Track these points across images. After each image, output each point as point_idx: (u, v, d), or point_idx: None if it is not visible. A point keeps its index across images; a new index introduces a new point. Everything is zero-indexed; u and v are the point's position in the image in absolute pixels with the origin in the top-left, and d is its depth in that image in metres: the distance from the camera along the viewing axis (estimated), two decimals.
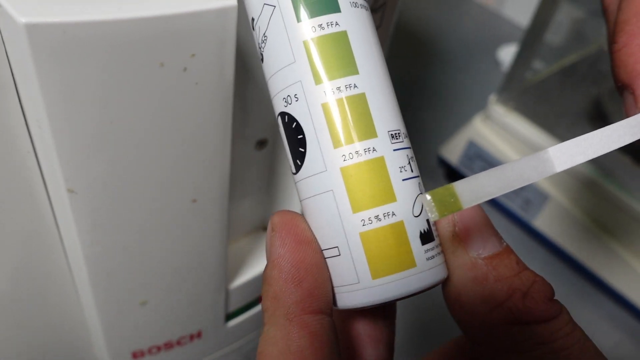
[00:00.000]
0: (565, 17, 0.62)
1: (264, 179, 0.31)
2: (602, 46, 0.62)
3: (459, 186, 0.14)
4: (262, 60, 0.16)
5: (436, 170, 0.57)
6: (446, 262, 0.16)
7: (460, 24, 0.81)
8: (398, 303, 0.20)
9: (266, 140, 0.29)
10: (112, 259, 0.24)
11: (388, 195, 0.15)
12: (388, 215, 0.15)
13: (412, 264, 0.15)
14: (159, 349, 0.30)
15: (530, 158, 0.15)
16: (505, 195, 0.51)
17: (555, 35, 0.62)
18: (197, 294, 0.29)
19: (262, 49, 0.16)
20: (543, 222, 0.49)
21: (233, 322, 0.33)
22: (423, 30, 0.77)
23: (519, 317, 0.15)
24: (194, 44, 0.19)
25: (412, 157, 0.16)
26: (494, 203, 0.53)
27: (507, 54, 0.71)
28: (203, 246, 0.27)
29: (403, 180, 0.15)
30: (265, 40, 0.16)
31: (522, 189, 0.50)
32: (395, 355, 0.19)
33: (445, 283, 0.16)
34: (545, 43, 0.57)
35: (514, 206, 0.51)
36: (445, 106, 0.65)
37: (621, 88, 0.18)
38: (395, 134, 0.16)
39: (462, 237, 0.16)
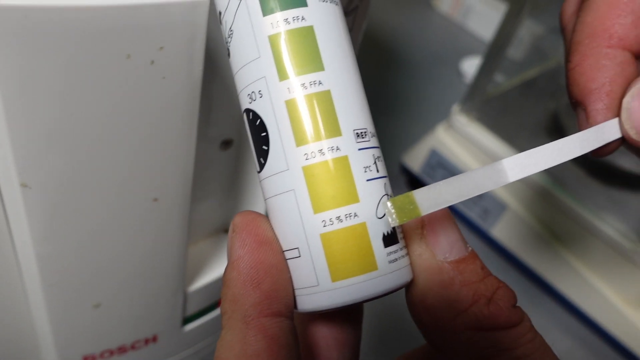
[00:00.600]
0: (526, 33, 0.64)
1: (227, 181, 0.30)
2: (561, 62, 0.64)
3: (418, 194, 0.15)
4: (229, 55, 0.16)
5: (399, 178, 0.57)
6: (411, 265, 0.16)
7: (425, 34, 0.82)
8: (366, 308, 0.19)
9: (231, 141, 0.28)
10: (65, 258, 0.23)
11: (351, 196, 0.15)
12: (350, 216, 0.15)
13: (373, 266, 0.15)
14: (111, 353, 0.29)
15: (485, 168, 0.15)
16: (465, 205, 0.52)
17: (516, 50, 0.63)
18: (153, 297, 0.28)
19: (228, 44, 0.16)
20: (500, 231, 0.50)
21: (190, 326, 0.32)
22: (389, 38, 0.77)
23: (483, 323, 0.15)
24: (163, 37, 0.18)
25: (378, 157, 0.16)
26: (454, 212, 0.53)
27: (470, 65, 0.73)
28: (162, 247, 0.26)
29: (367, 180, 0.15)
30: (232, 34, 0.16)
31: (481, 199, 0.51)
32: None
33: (409, 286, 0.16)
34: (507, 57, 0.59)
35: (473, 215, 0.52)
36: (408, 114, 0.65)
37: (575, 104, 0.19)
38: (361, 132, 0.15)
39: (429, 240, 0.15)
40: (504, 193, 0.50)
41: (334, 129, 0.15)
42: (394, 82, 0.70)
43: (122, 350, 0.29)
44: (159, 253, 0.26)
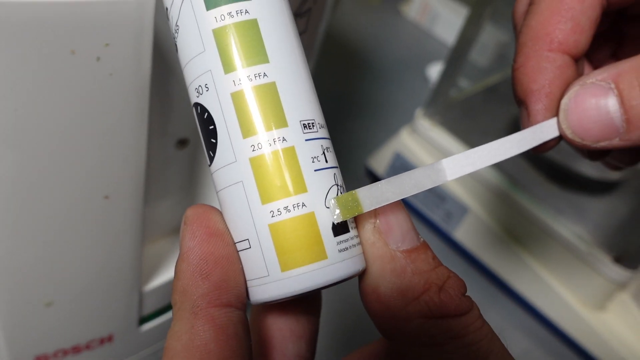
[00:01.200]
0: (490, 40, 0.66)
1: (184, 180, 0.31)
2: None
3: (361, 192, 0.15)
4: (176, 50, 0.16)
5: (363, 180, 0.58)
6: (364, 254, 0.16)
7: (392, 39, 0.84)
8: (323, 301, 0.20)
9: (187, 140, 0.28)
10: (16, 255, 0.23)
11: (298, 186, 0.15)
12: (298, 206, 0.15)
13: (322, 255, 0.15)
14: (65, 352, 0.29)
15: (425, 168, 0.16)
16: (428, 208, 0.53)
17: (480, 56, 0.65)
18: (108, 296, 0.28)
19: (175, 39, 0.16)
20: (463, 233, 0.51)
21: (147, 326, 0.32)
22: (357, 43, 0.78)
23: (434, 310, 0.15)
24: (108, 33, 0.18)
25: (327, 148, 0.16)
26: (417, 214, 0.54)
27: (435, 70, 0.74)
28: (115, 245, 0.26)
29: (315, 170, 0.15)
30: (178, 29, 0.16)
31: (443, 201, 0.52)
32: (317, 354, 0.19)
33: (362, 275, 0.16)
34: (471, 63, 0.60)
35: (437, 218, 0.53)
36: (374, 118, 0.66)
37: (519, 102, 0.20)
38: (309, 123, 0.15)
39: (382, 229, 0.16)
40: (467, 196, 0.51)
41: (280, 120, 0.15)
42: (361, 87, 0.70)
43: (76, 350, 0.29)
44: (113, 251, 0.26)
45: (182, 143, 0.28)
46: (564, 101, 0.19)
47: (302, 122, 0.15)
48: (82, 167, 0.21)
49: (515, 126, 0.56)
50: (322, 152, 0.15)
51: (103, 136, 0.21)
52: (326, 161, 0.16)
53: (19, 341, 0.27)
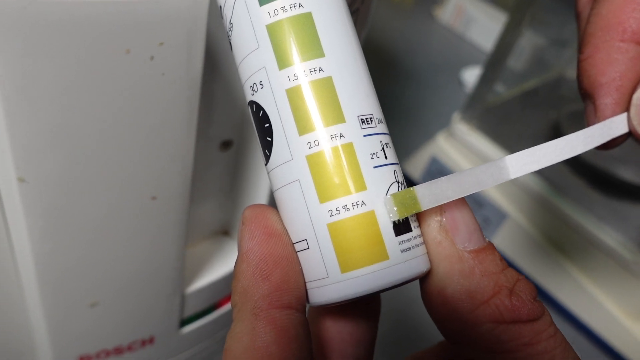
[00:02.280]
0: (527, 44, 0.65)
1: (226, 182, 0.30)
2: (562, 72, 0.64)
3: (419, 189, 0.15)
4: (231, 48, 0.16)
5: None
6: (429, 254, 0.15)
7: (426, 43, 0.83)
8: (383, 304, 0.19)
9: (231, 142, 0.28)
10: (62, 254, 0.23)
11: (357, 184, 0.14)
12: (357, 204, 0.14)
13: (384, 256, 0.14)
14: (107, 353, 0.29)
15: (487, 165, 0.15)
16: None
17: (517, 60, 0.64)
18: (150, 297, 0.28)
19: (230, 37, 0.16)
20: (501, 240, 0.50)
21: (188, 329, 0.32)
22: (391, 48, 0.78)
23: (505, 315, 0.14)
24: (162, 32, 0.18)
25: (387, 144, 0.15)
26: None
27: (470, 75, 0.73)
28: (160, 247, 0.26)
29: (375, 167, 0.15)
30: (232, 27, 0.16)
31: (481, 207, 0.51)
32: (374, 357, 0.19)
33: (426, 277, 0.15)
34: (508, 67, 0.59)
35: None
36: (408, 123, 0.65)
37: (584, 96, 0.19)
38: (367, 119, 0.15)
39: (449, 227, 0.15)
40: (505, 202, 0.49)
41: (337, 115, 0.14)
42: (395, 91, 0.70)
43: (118, 351, 0.29)
44: (157, 252, 0.26)
45: (226, 145, 0.28)
46: (636, 95, 0.17)
47: (360, 118, 0.15)
48: (131, 167, 0.21)
49: (553, 131, 0.55)
50: (381, 148, 0.15)
51: (152, 136, 0.21)
52: (386, 157, 0.15)
53: (63, 341, 0.27)
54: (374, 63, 0.75)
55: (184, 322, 0.31)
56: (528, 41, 0.64)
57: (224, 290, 0.33)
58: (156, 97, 0.20)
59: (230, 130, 0.28)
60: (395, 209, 0.14)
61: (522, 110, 0.59)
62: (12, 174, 0.19)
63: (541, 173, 0.48)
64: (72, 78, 0.18)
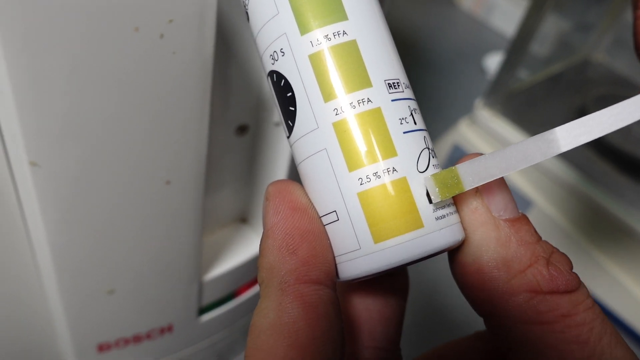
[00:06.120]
0: (552, 28, 0.63)
1: (244, 168, 0.30)
2: (588, 56, 0.62)
3: (461, 168, 0.14)
4: (248, 19, 0.15)
5: None
6: (464, 222, 0.15)
7: (448, 31, 0.81)
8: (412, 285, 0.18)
9: (247, 127, 0.28)
10: (77, 241, 0.23)
11: (387, 150, 0.14)
12: (389, 171, 0.14)
13: (419, 224, 0.14)
14: (126, 342, 0.29)
15: (534, 138, 0.14)
16: None
17: (541, 45, 0.62)
18: (168, 285, 0.27)
19: (246, 6, 0.15)
20: None
21: (206, 317, 0.31)
22: (412, 35, 0.76)
23: (542, 285, 0.14)
24: (172, 9, 0.18)
25: (415, 109, 0.15)
26: None
27: (493, 61, 0.71)
28: (176, 233, 0.25)
29: (404, 133, 0.14)
30: None
31: None
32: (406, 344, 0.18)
33: (460, 246, 0.15)
34: (532, 53, 0.58)
35: None
36: (430, 110, 0.64)
37: None
38: (394, 83, 0.14)
39: (484, 195, 0.14)
40: (530, 189, 0.48)
41: (363, 80, 0.14)
42: (416, 79, 0.69)
43: (137, 339, 0.29)
44: (173, 239, 0.25)
45: (242, 130, 0.27)
46: None
47: (387, 82, 0.14)
48: (143, 150, 0.21)
49: (579, 115, 0.53)
50: (410, 114, 0.14)
51: (165, 117, 0.21)
52: (415, 123, 0.14)
53: (82, 329, 0.27)
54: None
55: (203, 310, 0.31)
56: (552, 26, 0.63)
57: (242, 278, 0.32)
58: (168, 77, 0.19)
59: (246, 114, 0.27)
60: (436, 189, 0.14)
61: (547, 96, 0.57)
62: (24, 158, 0.19)
63: (566, 157, 0.46)
64: (81, 59, 0.17)
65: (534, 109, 0.55)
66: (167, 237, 0.25)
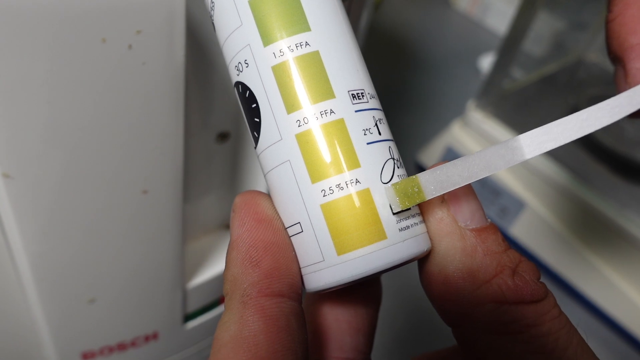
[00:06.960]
0: (545, 28, 0.63)
1: (226, 175, 0.30)
2: (581, 56, 0.62)
3: (422, 177, 0.14)
4: (214, 29, 0.16)
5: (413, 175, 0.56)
6: (430, 232, 0.15)
7: (443, 32, 0.81)
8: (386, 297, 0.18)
9: (228, 134, 0.28)
10: (54, 251, 0.23)
11: (350, 161, 0.14)
12: (352, 182, 0.14)
13: (382, 235, 0.14)
14: (111, 350, 0.29)
15: (498, 147, 0.14)
16: (482, 203, 0.51)
17: (536, 45, 0.62)
18: (151, 292, 0.27)
19: (212, 17, 0.15)
20: (519, 230, 0.49)
21: (192, 324, 0.31)
22: (406, 36, 0.76)
23: (507, 295, 0.14)
24: (139, 20, 0.18)
25: (380, 119, 0.15)
26: None
27: (488, 62, 0.71)
28: (156, 241, 0.25)
29: (368, 143, 0.14)
30: (214, 6, 0.15)
31: (498, 196, 0.49)
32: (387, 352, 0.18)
33: (426, 256, 0.15)
34: (526, 53, 0.57)
35: (491, 213, 0.50)
36: (424, 111, 0.64)
37: (613, 60, 0.17)
38: (358, 94, 0.14)
39: (450, 205, 0.14)
40: (523, 190, 0.48)
41: (326, 91, 0.14)
42: (410, 80, 0.69)
43: (121, 347, 0.29)
44: (153, 247, 0.25)
45: (223, 137, 0.27)
46: None
47: (351, 92, 0.14)
48: (118, 160, 0.21)
49: None
50: (374, 124, 0.14)
51: (138, 127, 0.21)
52: (379, 133, 0.14)
53: (65, 337, 0.27)
54: (389, 51, 0.74)
55: (188, 317, 0.31)
56: (546, 25, 0.62)
57: None
58: (138, 87, 0.19)
59: (227, 121, 0.27)
60: (397, 199, 0.14)
61: (540, 96, 0.57)
62: None
63: (560, 160, 0.46)
64: (51, 69, 0.17)
65: (527, 110, 0.55)
66: (147, 246, 0.25)
